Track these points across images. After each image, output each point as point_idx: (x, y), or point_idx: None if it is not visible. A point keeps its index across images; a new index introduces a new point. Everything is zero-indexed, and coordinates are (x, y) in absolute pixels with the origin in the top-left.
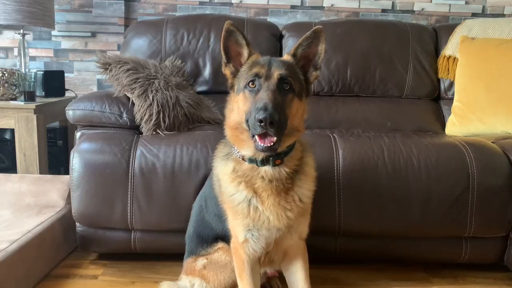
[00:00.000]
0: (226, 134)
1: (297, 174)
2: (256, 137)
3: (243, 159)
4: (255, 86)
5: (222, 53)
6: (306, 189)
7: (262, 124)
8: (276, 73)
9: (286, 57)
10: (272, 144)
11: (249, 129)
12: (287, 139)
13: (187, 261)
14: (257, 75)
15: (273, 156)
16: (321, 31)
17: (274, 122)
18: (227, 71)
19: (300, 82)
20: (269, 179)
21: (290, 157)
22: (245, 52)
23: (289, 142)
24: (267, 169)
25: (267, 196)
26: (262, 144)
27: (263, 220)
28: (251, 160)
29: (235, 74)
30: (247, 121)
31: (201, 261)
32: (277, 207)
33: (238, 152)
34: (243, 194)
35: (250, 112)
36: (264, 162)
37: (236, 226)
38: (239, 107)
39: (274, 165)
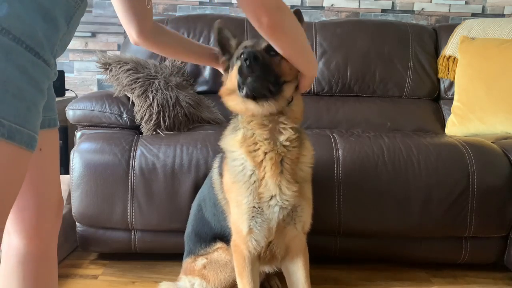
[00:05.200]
0: (225, 103)
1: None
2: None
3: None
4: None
5: (218, 47)
6: (304, 165)
7: (247, 62)
8: (264, 43)
9: None
10: (258, 74)
11: (240, 91)
12: (286, 85)
13: (186, 261)
14: (246, 47)
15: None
16: (299, 12)
17: (258, 58)
18: (223, 58)
19: None
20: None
21: (291, 110)
22: (233, 43)
23: (291, 88)
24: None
25: (274, 170)
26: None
27: (267, 193)
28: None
29: (229, 58)
30: (239, 87)
31: (201, 261)
32: (283, 182)
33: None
34: (249, 167)
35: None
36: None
37: (240, 216)
38: (232, 78)
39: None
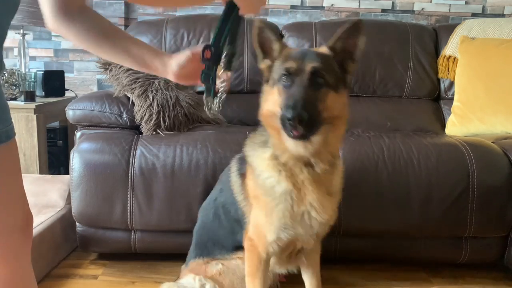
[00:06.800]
0: (261, 122)
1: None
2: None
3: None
4: (288, 81)
5: (258, 50)
6: (336, 180)
7: (291, 122)
8: (309, 66)
9: (323, 49)
10: (302, 133)
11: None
12: (327, 126)
13: (195, 262)
14: (288, 70)
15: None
16: (361, 24)
17: (302, 120)
18: (263, 65)
19: (335, 75)
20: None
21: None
22: (276, 46)
23: (332, 130)
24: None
25: (312, 189)
26: (293, 133)
27: (302, 213)
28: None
29: (270, 67)
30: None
31: (216, 266)
32: (322, 200)
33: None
34: (283, 186)
35: (282, 107)
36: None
37: (268, 225)
38: (275, 99)
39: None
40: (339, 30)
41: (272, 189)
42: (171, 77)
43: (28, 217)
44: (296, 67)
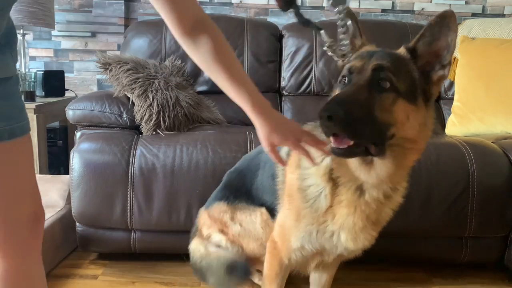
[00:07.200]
0: None
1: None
2: (331, 137)
3: None
4: (346, 82)
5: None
6: (386, 212)
7: (322, 119)
8: (372, 64)
9: (400, 49)
10: (347, 147)
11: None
12: (397, 150)
13: (219, 206)
14: (350, 69)
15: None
16: (451, 16)
17: (334, 117)
18: (340, 61)
19: (411, 81)
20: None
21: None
22: (358, 42)
23: (402, 157)
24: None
25: (349, 213)
26: (333, 145)
27: (332, 232)
28: None
29: (343, 66)
30: None
31: (235, 227)
32: (359, 227)
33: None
34: (326, 201)
35: None
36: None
37: (294, 230)
38: None
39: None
40: (424, 27)
41: (313, 199)
42: None
43: (37, 215)
44: (359, 66)
